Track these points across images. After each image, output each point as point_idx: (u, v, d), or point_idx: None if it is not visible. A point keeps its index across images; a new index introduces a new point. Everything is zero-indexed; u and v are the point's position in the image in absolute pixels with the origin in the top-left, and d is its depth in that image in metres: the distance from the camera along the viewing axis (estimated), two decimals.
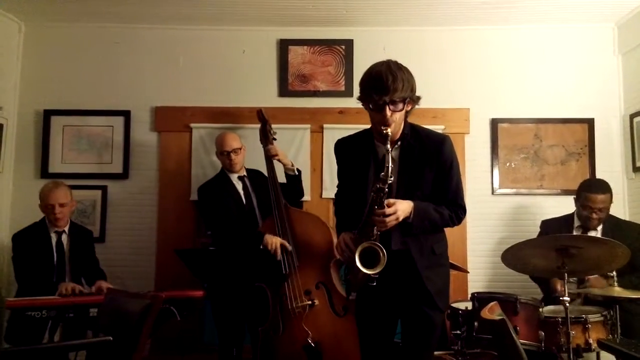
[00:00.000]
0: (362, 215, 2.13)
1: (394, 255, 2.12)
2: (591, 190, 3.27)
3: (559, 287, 3.12)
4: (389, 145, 2.03)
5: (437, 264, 2.24)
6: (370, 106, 2.11)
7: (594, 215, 3.23)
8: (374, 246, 2.06)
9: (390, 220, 2.06)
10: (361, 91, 2.17)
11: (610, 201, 3.29)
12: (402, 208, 2.09)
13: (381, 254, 2.03)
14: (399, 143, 2.19)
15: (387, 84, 2.02)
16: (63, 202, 3.35)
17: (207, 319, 3.87)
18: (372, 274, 2.04)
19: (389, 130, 2.05)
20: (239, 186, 3.41)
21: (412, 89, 2.11)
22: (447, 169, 2.20)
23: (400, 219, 2.08)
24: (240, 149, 3.42)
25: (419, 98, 2.17)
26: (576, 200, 3.38)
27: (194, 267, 2.99)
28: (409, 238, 2.17)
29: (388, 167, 2.01)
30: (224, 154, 3.39)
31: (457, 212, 2.22)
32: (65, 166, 4.04)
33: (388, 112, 2.06)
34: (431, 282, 2.18)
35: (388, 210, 2.05)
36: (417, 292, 2.17)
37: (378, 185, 2.05)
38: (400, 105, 2.08)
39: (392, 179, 2.05)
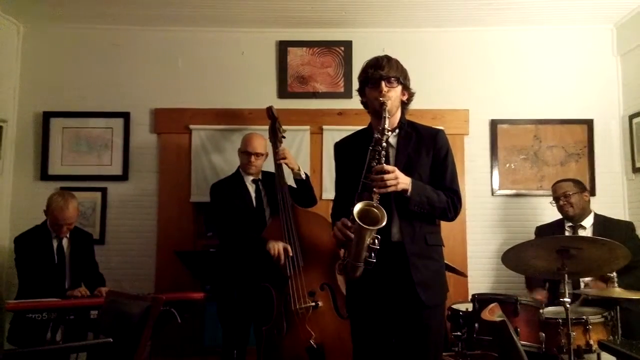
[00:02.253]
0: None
1: (391, 249, 2.11)
2: (553, 183, 3.61)
3: (537, 297, 3.22)
4: (385, 106, 2.11)
5: (428, 256, 2.19)
6: (368, 86, 2.22)
7: (561, 202, 3.48)
8: (371, 207, 2.00)
9: (389, 179, 2.04)
10: (360, 79, 2.28)
11: (577, 189, 3.45)
12: (401, 175, 2.08)
13: (379, 213, 1.97)
14: (397, 131, 2.26)
15: (382, 62, 2.20)
16: (72, 221, 3.37)
17: (208, 322, 3.86)
18: (373, 229, 1.95)
19: (386, 100, 2.13)
20: (251, 188, 3.38)
21: (406, 77, 2.26)
22: (442, 157, 2.26)
23: (399, 185, 2.06)
24: (262, 154, 3.40)
25: (413, 93, 2.29)
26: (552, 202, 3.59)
27: (194, 269, 2.99)
28: (404, 224, 2.15)
29: (385, 117, 2.10)
30: (246, 154, 3.36)
31: (453, 198, 2.22)
32: (64, 168, 4.04)
33: (384, 87, 2.16)
34: (417, 271, 2.13)
35: (387, 167, 2.06)
36: (402, 281, 2.12)
37: (376, 136, 2.10)
38: (395, 84, 2.20)
39: (388, 129, 2.11)
